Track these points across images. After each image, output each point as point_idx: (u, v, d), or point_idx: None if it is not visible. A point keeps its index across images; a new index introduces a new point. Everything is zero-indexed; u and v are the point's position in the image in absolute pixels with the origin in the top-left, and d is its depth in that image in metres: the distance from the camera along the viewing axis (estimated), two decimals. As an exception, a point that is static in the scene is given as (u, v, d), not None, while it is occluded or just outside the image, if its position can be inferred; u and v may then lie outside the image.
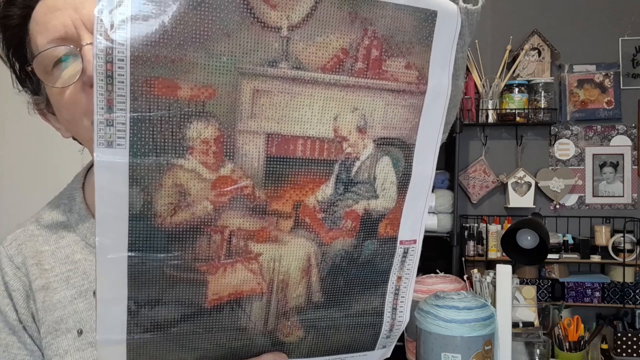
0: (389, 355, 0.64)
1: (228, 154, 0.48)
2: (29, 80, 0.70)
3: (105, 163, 0.44)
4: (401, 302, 0.61)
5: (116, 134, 0.44)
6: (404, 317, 0.61)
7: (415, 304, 0.81)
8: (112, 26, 0.42)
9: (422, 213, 0.59)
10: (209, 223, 0.48)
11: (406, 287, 0.60)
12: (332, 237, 0.54)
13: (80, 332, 0.68)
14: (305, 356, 0.58)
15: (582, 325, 2.02)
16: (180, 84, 0.45)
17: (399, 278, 0.60)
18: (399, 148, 0.55)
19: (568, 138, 3.26)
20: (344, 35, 0.49)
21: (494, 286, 1.31)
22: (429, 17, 0.52)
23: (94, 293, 0.68)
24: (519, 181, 3.20)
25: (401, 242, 0.58)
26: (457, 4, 0.55)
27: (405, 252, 0.59)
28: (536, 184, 3.21)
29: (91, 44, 0.60)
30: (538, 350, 1.62)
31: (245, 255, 0.50)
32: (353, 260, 0.56)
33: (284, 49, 0.47)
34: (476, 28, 0.60)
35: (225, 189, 0.48)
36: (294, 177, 0.51)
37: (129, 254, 0.46)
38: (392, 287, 0.60)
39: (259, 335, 0.54)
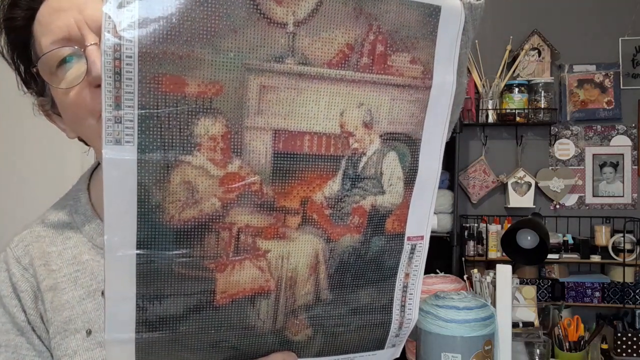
0: (398, 355, 0.64)
1: (235, 150, 0.48)
2: (33, 81, 0.71)
3: (114, 160, 0.44)
4: (409, 299, 0.60)
5: (124, 131, 0.44)
6: (412, 315, 0.61)
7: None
8: (120, 23, 0.42)
9: (429, 209, 0.59)
10: (217, 220, 0.48)
11: (414, 284, 0.60)
12: (339, 233, 0.54)
13: (89, 332, 0.68)
14: (315, 355, 0.58)
15: (582, 325, 2.02)
16: (188, 80, 0.45)
17: (407, 275, 0.59)
18: (405, 143, 0.55)
19: (568, 138, 3.27)
20: (349, 30, 0.49)
21: (494, 286, 1.31)
22: (432, 12, 0.52)
23: (103, 293, 0.69)
24: (519, 181, 3.20)
25: (408, 239, 0.58)
26: None
27: (413, 249, 0.59)
28: (536, 184, 3.21)
29: (95, 44, 0.60)
30: (538, 350, 1.62)
31: (253, 252, 0.50)
32: (361, 256, 0.56)
33: (290, 44, 0.48)
34: (479, 24, 0.60)
35: (233, 186, 0.48)
36: (301, 173, 0.51)
37: (137, 251, 0.46)
38: (400, 284, 0.59)
39: (267, 334, 0.54)
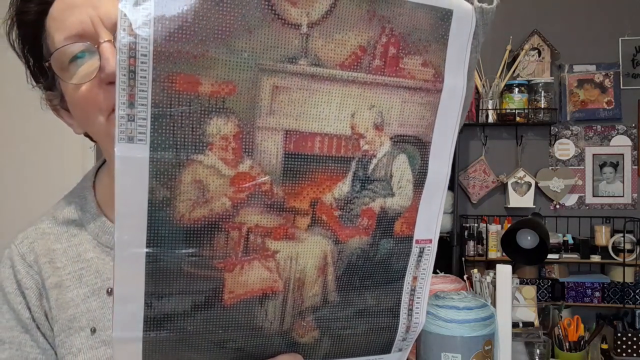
0: (404, 359, 0.63)
1: (247, 150, 0.48)
2: (43, 76, 0.70)
3: (126, 158, 0.44)
4: (417, 303, 0.60)
5: (137, 129, 0.44)
6: (420, 319, 0.61)
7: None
8: (135, 21, 0.42)
9: (438, 212, 0.58)
10: (227, 219, 0.48)
11: (422, 287, 0.60)
12: (348, 235, 0.53)
13: (93, 331, 0.68)
14: (321, 358, 0.57)
15: (582, 325, 2.03)
16: (202, 79, 0.45)
17: (415, 278, 0.59)
18: (415, 146, 0.55)
19: (568, 138, 3.27)
20: (362, 32, 0.49)
21: (494, 286, 1.31)
22: (445, 16, 0.53)
23: (107, 291, 0.69)
24: (519, 181, 3.21)
25: (417, 242, 0.58)
26: (472, 3, 0.55)
27: (421, 252, 0.59)
28: (536, 184, 3.21)
29: (109, 41, 0.60)
30: (538, 350, 1.63)
31: (262, 252, 0.50)
32: (369, 259, 0.55)
33: (303, 45, 0.48)
34: (490, 28, 0.60)
35: (244, 186, 0.48)
36: (311, 174, 0.51)
37: (147, 250, 0.46)
38: (408, 288, 0.59)
39: (274, 335, 0.53)
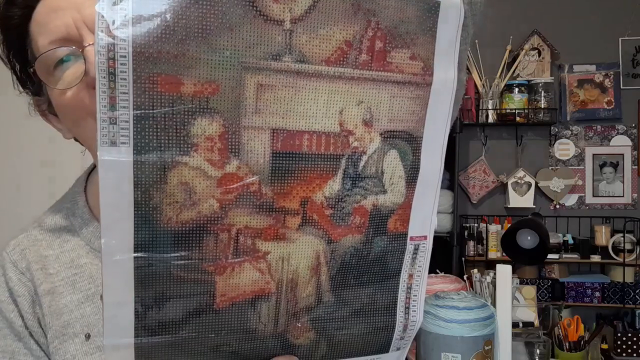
0: (403, 359, 0.62)
1: (233, 150, 0.47)
2: (29, 81, 0.69)
3: (109, 162, 0.43)
4: (414, 300, 0.59)
5: (120, 132, 0.43)
6: (417, 317, 0.60)
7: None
8: (113, 22, 0.41)
9: (432, 208, 0.58)
10: (216, 221, 0.47)
11: (418, 285, 0.59)
12: (340, 234, 0.53)
13: (87, 337, 0.67)
14: (318, 359, 0.56)
15: (582, 325, 2.03)
16: (184, 80, 0.44)
17: (411, 276, 0.58)
18: (406, 141, 0.54)
19: (568, 138, 3.27)
20: (347, 27, 0.48)
21: (494, 286, 1.31)
22: (432, 8, 0.52)
23: (101, 297, 0.68)
24: (519, 181, 3.20)
25: (411, 239, 0.57)
26: None
27: (416, 249, 0.58)
28: (536, 184, 3.21)
29: (93, 44, 0.60)
30: (538, 350, 1.62)
31: (252, 254, 0.49)
32: (363, 257, 0.55)
33: (287, 42, 0.47)
34: (480, 19, 0.60)
35: (232, 186, 0.47)
36: (300, 172, 0.50)
37: (135, 254, 0.45)
38: (404, 286, 0.58)
39: (269, 338, 0.53)
